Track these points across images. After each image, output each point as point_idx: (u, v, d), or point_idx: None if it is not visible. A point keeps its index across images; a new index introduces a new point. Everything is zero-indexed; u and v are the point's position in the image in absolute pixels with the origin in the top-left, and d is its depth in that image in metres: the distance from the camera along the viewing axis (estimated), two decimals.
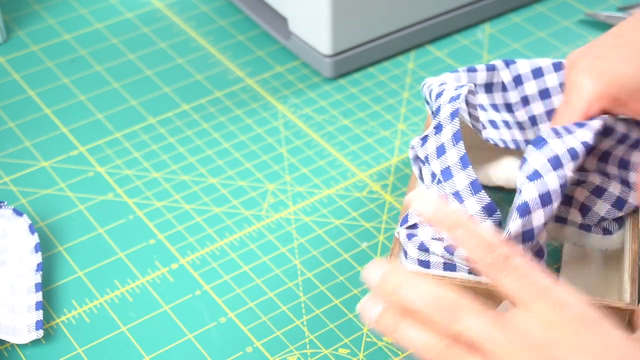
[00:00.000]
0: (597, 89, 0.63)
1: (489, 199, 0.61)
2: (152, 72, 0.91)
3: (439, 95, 0.66)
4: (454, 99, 0.64)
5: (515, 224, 0.59)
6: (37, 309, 0.67)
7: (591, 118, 0.63)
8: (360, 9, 0.86)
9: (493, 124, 0.70)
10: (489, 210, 0.61)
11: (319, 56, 0.88)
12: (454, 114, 0.63)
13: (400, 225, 0.65)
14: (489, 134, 0.70)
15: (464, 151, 0.62)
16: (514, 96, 0.72)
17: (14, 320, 0.67)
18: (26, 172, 0.80)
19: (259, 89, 0.89)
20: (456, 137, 0.62)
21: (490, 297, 0.64)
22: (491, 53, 0.92)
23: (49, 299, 0.70)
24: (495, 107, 0.72)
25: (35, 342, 0.67)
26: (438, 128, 0.64)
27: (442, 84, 0.67)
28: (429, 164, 0.64)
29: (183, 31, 0.96)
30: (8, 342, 0.67)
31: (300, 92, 0.89)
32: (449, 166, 0.62)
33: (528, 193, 0.59)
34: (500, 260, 0.51)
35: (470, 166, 0.62)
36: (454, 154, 0.62)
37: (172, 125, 0.85)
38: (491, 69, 0.71)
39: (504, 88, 0.72)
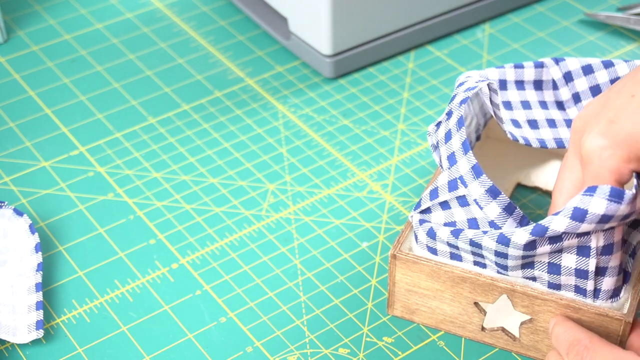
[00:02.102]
0: (623, 156, 0.57)
1: (491, 182, 0.61)
2: (152, 72, 0.91)
3: (460, 84, 0.66)
4: (470, 89, 0.65)
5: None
6: (37, 308, 0.67)
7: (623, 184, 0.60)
8: (360, 9, 0.87)
9: (532, 123, 0.70)
10: (493, 193, 0.61)
11: (319, 56, 0.89)
12: (464, 101, 0.64)
13: (414, 210, 0.65)
14: (524, 132, 0.69)
15: (465, 137, 0.62)
16: (564, 93, 0.71)
17: (15, 320, 0.67)
18: (26, 172, 0.80)
19: (259, 89, 0.89)
20: (460, 123, 0.63)
21: (489, 290, 0.64)
22: (491, 53, 0.92)
23: (50, 298, 0.70)
24: (544, 104, 0.71)
25: (35, 342, 0.67)
26: (449, 114, 0.64)
27: (469, 77, 0.67)
28: (439, 149, 0.65)
29: (183, 31, 0.96)
30: (8, 342, 0.67)
31: (300, 92, 0.89)
32: (453, 152, 0.63)
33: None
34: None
35: (471, 151, 0.62)
36: (457, 139, 0.62)
37: (172, 125, 0.85)
38: (539, 65, 0.71)
39: (554, 86, 0.71)
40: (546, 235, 0.58)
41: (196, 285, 0.71)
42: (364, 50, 0.89)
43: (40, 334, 0.66)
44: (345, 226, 0.76)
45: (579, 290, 0.61)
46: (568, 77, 0.71)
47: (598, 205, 0.56)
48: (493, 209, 0.61)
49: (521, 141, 0.67)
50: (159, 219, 0.76)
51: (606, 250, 0.60)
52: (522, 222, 0.61)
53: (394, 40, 0.91)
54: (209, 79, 0.90)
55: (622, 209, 0.57)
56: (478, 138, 0.74)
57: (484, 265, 0.64)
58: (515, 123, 0.69)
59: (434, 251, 0.65)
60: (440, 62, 0.92)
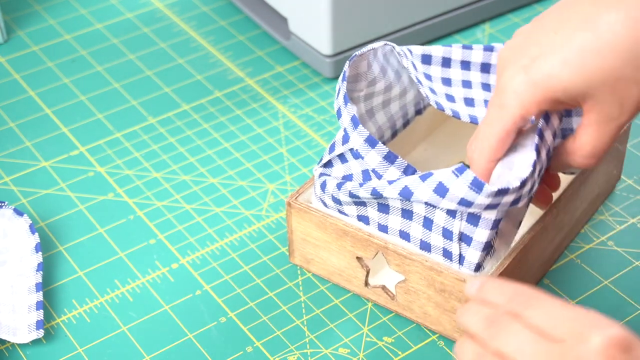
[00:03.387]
0: (537, 94, 0.59)
1: (367, 132, 0.63)
2: (153, 72, 0.91)
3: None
4: (369, 50, 0.67)
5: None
6: (37, 308, 0.67)
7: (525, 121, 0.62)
8: (360, 9, 0.87)
9: (468, 101, 0.70)
10: (371, 142, 0.63)
11: (319, 56, 0.89)
12: (351, 58, 0.66)
13: (317, 164, 0.68)
14: (455, 107, 0.69)
15: (346, 91, 0.65)
16: None
17: (15, 320, 0.67)
18: (27, 172, 0.80)
19: (259, 89, 0.89)
20: (343, 79, 0.65)
21: (367, 245, 0.66)
22: None
23: (50, 298, 0.70)
24: (487, 86, 0.71)
25: (35, 342, 0.67)
26: (342, 73, 0.67)
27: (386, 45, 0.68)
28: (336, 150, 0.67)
29: (183, 31, 0.96)
30: (9, 342, 0.67)
31: (300, 92, 0.89)
32: (339, 106, 0.65)
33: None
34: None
35: (350, 103, 0.64)
36: (342, 94, 0.65)
37: (172, 125, 0.85)
38: (489, 49, 0.71)
39: None
40: (411, 200, 0.62)
41: (196, 285, 0.71)
42: None
43: (40, 333, 0.66)
44: None
45: (447, 254, 0.64)
46: None
47: (459, 188, 0.59)
48: (373, 158, 0.63)
49: (448, 112, 0.68)
50: (159, 219, 0.76)
51: (471, 219, 0.61)
52: (407, 171, 0.63)
53: (394, 40, 0.91)
54: (209, 79, 0.90)
55: (481, 199, 0.59)
56: (419, 112, 0.75)
57: (367, 221, 0.66)
58: (450, 98, 0.70)
59: (325, 204, 0.68)
60: None
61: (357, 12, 0.87)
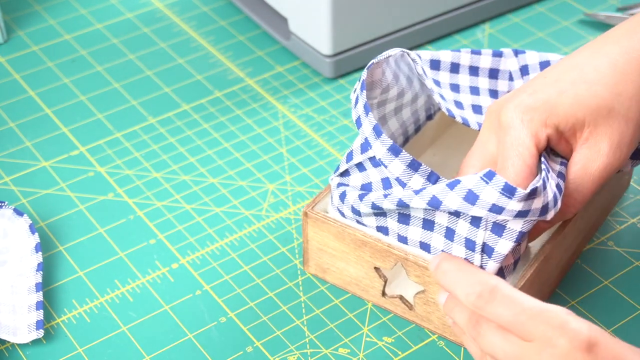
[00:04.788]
0: (541, 116, 0.61)
1: (391, 141, 0.63)
2: (153, 72, 0.91)
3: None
4: (384, 57, 0.66)
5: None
6: (37, 308, 0.67)
7: (540, 152, 0.62)
8: (360, 9, 0.87)
9: (476, 108, 0.70)
10: (394, 151, 0.63)
11: (319, 56, 0.89)
12: (369, 67, 0.65)
13: (334, 173, 0.68)
14: (464, 114, 0.69)
15: (366, 100, 0.64)
16: (518, 85, 0.72)
17: (15, 320, 0.67)
18: (27, 172, 0.80)
19: (259, 89, 0.89)
20: (362, 88, 0.65)
21: (386, 256, 0.66)
22: None
23: (50, 298, 0.70)
24: (495, 93, 0.71)
25: (35, 342, 0.67)
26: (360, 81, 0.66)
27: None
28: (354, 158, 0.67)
29: (183, 31, 0.96)
30: (9, 342, 0.67)
31: (300, 92, 0.89)
32: (359, 115, 0.64)
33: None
34: (486, 293, 0.56)
35: (371, 112, 0.64)
36: (361, 103, 0.64)
37: (172, 125, 0.85)
38: (498, 55, 0.71)
39: (510, 77, 0.72)
40: (440, 209, 0.60)
41: (196, 285, 0.71)
42: (364, 50, 0.89)
43: (40, 333, 0.66)
44: None
45: None
46: (524, 71, 0.72)
47: (490, 194, 0.58)
48: (397, 167, 0.63)
49: (459, 119, 0.68)
50: (159, 219, 0.76)
51: (495, 229, 0.60)
52: (430, 178, 0.63)
53: (394, 40, 0.91)
54: (209, 79, 0.90)
55: (513, 204, 0.58)
56: (430, 117, 0.75)
57: (386, 232, 0.65)
58: (459, 105, 0.70)
59: (343, 215, 0.67)
60: None
61: (357, 12, 0.87)
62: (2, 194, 0.78)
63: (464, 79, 0.70)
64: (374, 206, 0.63)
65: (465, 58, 0.70)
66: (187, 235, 0.75)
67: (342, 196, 0.66)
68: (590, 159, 0.61)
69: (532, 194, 0.58)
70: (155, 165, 0.81)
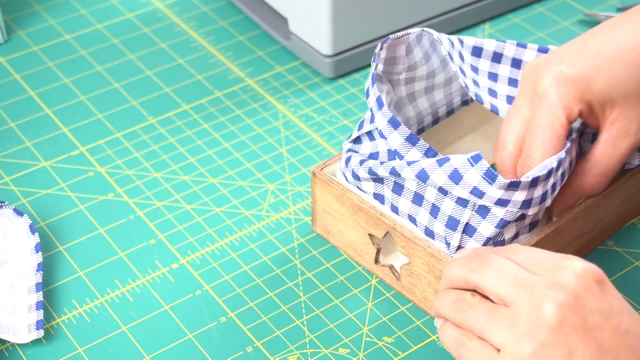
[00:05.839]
0: (576, 91, 0.63)
1: (391, 114, 0.64)
2: (153, 72, 0.91)
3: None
4: (402, 34, 0.68)
5: None
6: (37, 308, 0.67)
7: (571, 126, 0.64)
8: (360, 9, 0.87)
9: (510, 99, 0.71)
10: (394, 124, 0.64)
11: (319, 56, 0.89)
12: (384, 40, 0.67)
13: (347, 139, 0.70)
14: (495, 102, 0.70)
15: (374, 73, 0.66)
16: None
17: (15, 320, 0.67)
18: (27, 172, 0.80)
19: (259, 89, 0.89)
20: (373, 60, 0.67)
21: (378, 224, 0.68)
22: None
23: (50, 298, 0.70)
24: (515, 82, 0.72)
25: (35, 342, 0.67)
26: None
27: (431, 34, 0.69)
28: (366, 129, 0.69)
29: (183, 31, 0.96)
30: (9, 342, 0.67)
31: (300, 92, 0.89)
32: (368, 87, 0.66)
33: None
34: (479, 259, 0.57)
35: (376, 84, 0.66)
36: (370, 77, 0.67)
37: (172, 125, 0.85)
38: (543, 50, 0.72)
39: None
40: (427, 183, 0.63)
41: (196, 285, 0.71)
42: (364, 50, 0.89)
43: (40, 333, 0.66)
44: None
45: (447, 244, 0.64)
46: None
47: (472, 176, 0.60)
48: (395, 139, 0.64)
49: (487, 106, 0.69)
50: (159, 219, 0.76)
51: (481, 211, 0.62)
52: (428, 153, 0.64)
53: None
54: (209, 79, 0.90)
55: (493, 191, 0.60)
56: (465, 102, 0.76)
57: (382, 199, 0.67)
58: (493, 93, 0.71)
59: (346, 179, 0.70)
60: None
61: (357, 12, 0.87)
62: (2, 194, 0.78)
63: (504, 70, 0.71)
64: (371, 171, 0.66)
65: (509, 49, 0.71)
66: (187, 235, 0.75)
67: (347, 160, 0.69)
68: (619, 138, 0.64)
69: (514, 186, 0.60)
70: (155, 165, 0.81)
